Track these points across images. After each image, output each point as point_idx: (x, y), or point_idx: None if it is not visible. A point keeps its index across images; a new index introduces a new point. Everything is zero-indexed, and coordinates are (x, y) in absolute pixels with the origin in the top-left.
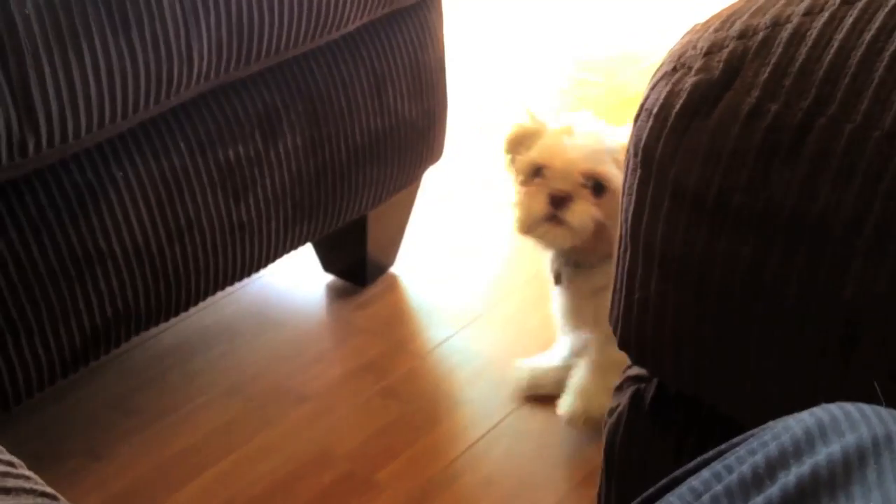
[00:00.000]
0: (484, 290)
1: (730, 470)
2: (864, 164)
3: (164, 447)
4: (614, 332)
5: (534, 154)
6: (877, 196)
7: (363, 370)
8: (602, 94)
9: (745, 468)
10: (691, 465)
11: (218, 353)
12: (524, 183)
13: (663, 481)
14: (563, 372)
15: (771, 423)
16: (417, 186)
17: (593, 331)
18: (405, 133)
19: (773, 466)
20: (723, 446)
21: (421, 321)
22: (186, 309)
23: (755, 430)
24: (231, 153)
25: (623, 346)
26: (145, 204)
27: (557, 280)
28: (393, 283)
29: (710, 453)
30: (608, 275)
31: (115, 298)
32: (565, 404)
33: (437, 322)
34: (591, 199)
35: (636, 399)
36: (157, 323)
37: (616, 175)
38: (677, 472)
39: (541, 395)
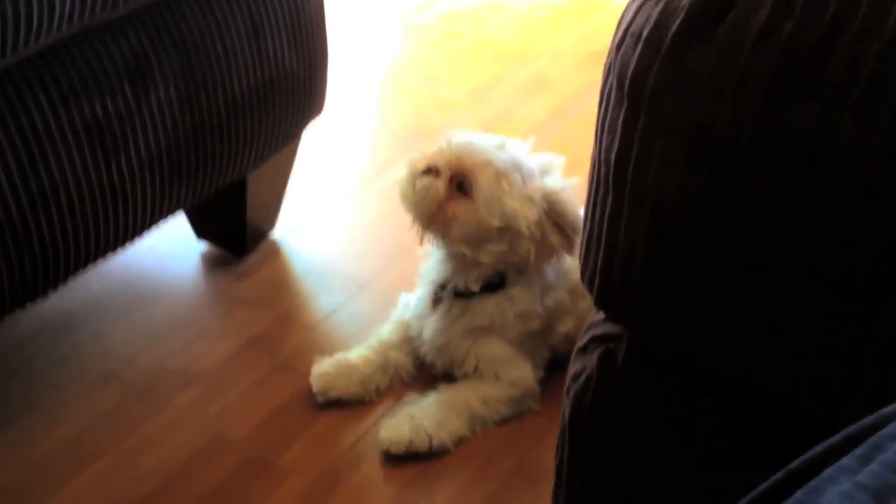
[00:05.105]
0: (373, 254)
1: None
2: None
3: (34, 445)
4: (590, 289)
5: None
6: None
7: (252, 345)
8: (471, 45)
9: None
10: (814, 454)
11: (86, 337)
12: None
13: (776, 476)
14: (372, 370)
15: None
16: (297, 144)
17: (470, 375)
18: (286, 83)
19: None
20: (852, 429)
21: (308, 289)
22: (55, 287)
23: (886, 410)
24: (98, 107)
25: (601, 302)
26: (3, 166)
27: (437, 302)
28: (274, 250)
29: (837, 438)
30: (489, 315)
31: None
32: (393, 429)
33: (325, 289)
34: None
35: (606, 361)
36: (22, 305)
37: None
38: (793, 465)
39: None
